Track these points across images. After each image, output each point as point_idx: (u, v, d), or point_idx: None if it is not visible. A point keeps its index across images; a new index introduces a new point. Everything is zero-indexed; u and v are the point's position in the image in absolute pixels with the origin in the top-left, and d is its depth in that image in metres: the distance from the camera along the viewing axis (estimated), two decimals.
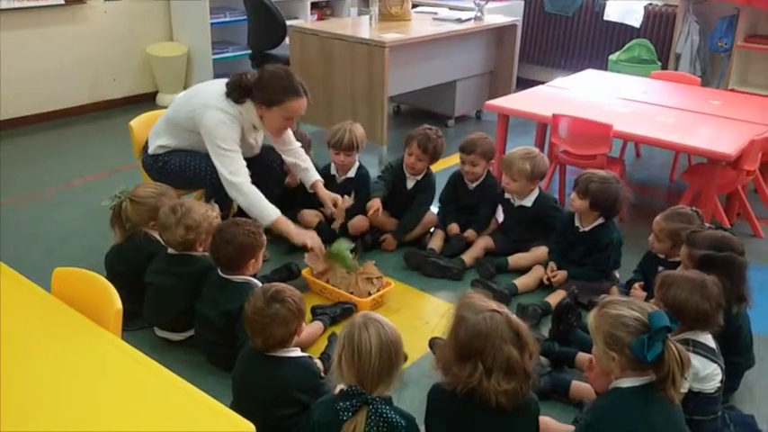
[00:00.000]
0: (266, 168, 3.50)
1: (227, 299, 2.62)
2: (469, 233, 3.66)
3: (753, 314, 2.65)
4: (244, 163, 3.21)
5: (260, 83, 3.20)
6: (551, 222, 3.53)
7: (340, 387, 1.99)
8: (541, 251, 3.49)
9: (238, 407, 1.91)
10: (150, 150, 3.37)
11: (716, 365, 2.24)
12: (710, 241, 2.55)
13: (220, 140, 3.15)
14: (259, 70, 3.29)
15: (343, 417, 1.85)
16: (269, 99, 3.18)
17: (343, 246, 3.23)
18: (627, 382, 1.93)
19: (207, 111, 3.18)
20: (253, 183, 3.21)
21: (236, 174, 3.16)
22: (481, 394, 1.87)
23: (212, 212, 2.86)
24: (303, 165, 3.58)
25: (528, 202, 3.57)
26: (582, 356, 2.64)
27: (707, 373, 2.21)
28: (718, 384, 2.25)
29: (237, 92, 3.21)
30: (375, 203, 3.59)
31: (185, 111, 3.26)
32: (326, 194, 3.53)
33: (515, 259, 3.52)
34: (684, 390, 2.09)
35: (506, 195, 3.65)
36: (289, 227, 3.24)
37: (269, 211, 3.19)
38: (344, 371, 1.91)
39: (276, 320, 2.15)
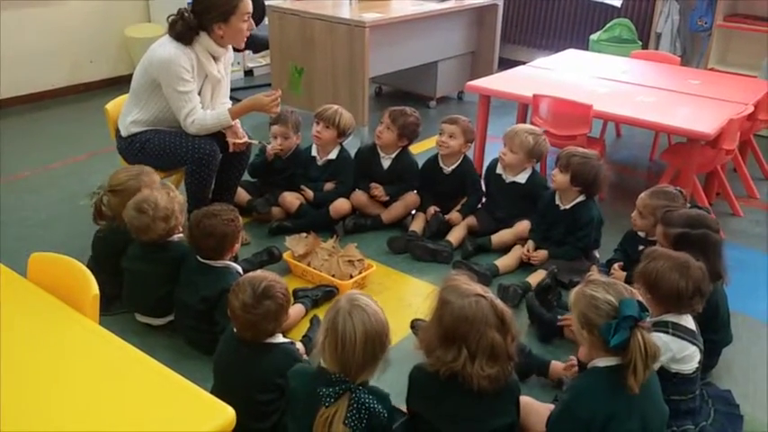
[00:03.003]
0: (225, 158, 3.47)
1: (206, 284, 2.62)
2: (454, 215, 3.65)
3: (730, 292, 2.68)
4: (198, 100, 3.26)
5: (204, 6, 3.19)
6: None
7: (321, 363, 1.99)
8: (524, 225, 3.49)
9: (219, 391, 1.90)
10: (123, 133, 3.33)
11: (695, 348, 2.26)
12: (685, 219, 2.58)
13: (176, 82, 3.16)
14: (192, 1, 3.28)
15: (325, 403, 1.85)
16: (225, 12, 3.19)
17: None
18: (604, 362, 1.95)
19: (156, 50, 3.21)
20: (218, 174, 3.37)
21: (191, 114, 3.23)
22: (464, 377, 1.88)
23: (172, 192, 2.83)
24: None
25: (521, 178, 3.56)
26: (555, 365, 2.61)
27: (684, 355, 2.23)
28: (697, 365, 2.26)
29: (186, 32, 3.19)
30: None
31: (140, 67, 3.28)
32: (235, 126, 3.41)
33: (499, 237, 3.51)
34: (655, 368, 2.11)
35: (498, 171, 3.64)
36: (244, 102, 3.38)
37: (222, 115, 3.29)
38: (327, 357, 1.90)
39: (268, 317, 2.15)
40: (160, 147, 3.26)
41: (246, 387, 2.14)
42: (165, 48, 3.19)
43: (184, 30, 3.18)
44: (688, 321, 2.29)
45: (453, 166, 3.72)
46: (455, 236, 3.56)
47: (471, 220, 3.66)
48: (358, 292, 2.01)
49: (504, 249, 3.47)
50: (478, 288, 1.96)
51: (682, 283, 2.21)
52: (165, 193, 2.78)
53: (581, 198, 3.30)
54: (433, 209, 3.67)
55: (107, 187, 2.93)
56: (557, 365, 2.58)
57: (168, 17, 3.24)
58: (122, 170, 3.02)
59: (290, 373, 2.04)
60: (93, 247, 2.96)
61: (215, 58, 3.32)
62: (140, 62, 3.30)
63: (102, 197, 2.91)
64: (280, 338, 2.25)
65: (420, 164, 3.86)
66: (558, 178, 3.28)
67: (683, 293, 2.22)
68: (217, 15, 3.18)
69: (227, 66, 3.46)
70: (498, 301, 1.94)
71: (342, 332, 1.85)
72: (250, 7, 3.26)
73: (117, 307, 2.86)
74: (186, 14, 3.20)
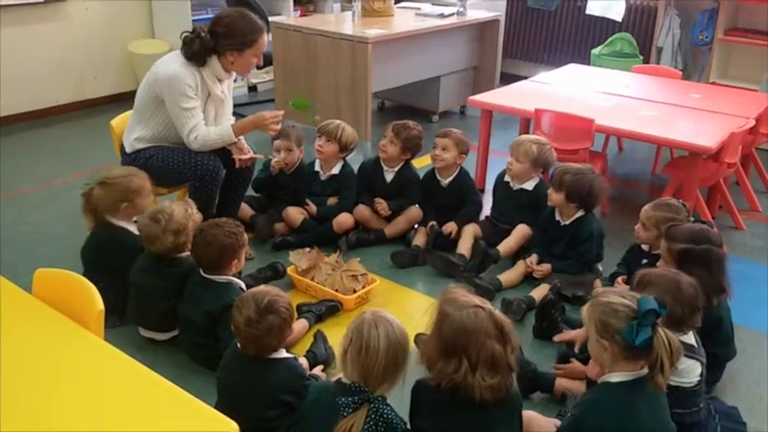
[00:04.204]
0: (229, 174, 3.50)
1: (209, 299, 2.62)
2: (450, 226, 3.65)
3: (733, 306, 2.68)
4: (201, 116, 3.27)
5: (225, 31, 3.22)
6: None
7: (339, 377, 2.00)
8: (524, 229, 3.52)
9: (223, 407, 1.91)
10: (128, 149, 3.35)
11: (693, 361, 2.25)
12: (689, 235, 2.57)
13: (179, 98, 3.17)
14: (212, 21, 3.30)
15: (343, 413, 1.86)
16: (241, 43, 3.23)
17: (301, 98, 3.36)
18: (615, 377, 1.95)
19: (161, 66, 3.24)
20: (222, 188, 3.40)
21: (194, 130, 3.23)
22: (465, 389, 1.89)
23: (191, 209, 2.85)
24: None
25: (529, 186, 3.59)
26: (560, 381, 2.59)
27: (681, 369, 2.22)
28: (698, 378, 2.26)
29: (201, 51, 3.21)
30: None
31: (144, 83, 3.30)
32: (240, 142, 3.43)
33: (505, 246, 3.49)
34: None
35: (506, 179, 3.67)
36: (246, 120, 3.39)
37: (225, 132, 3.30)
38: (349, 366, 1.93)
39: (272, 332, 2.15)
40: (164, 163, 3.28)
41: (251, 403, 2.14)
42: (171, 64, 3.22)
43: (200, 49, 3.20)
44: (687, 336, 2.28)
45: (450, 179, 3.75)
46: (464, 248, 3.54)
47: (476, 229, 3.66)
48: (381, 309, 2.05)
49: (512, 256, 3.49)
50: (476, 300, 1.97)
51: (677, 309, 2.18)
52: (183, 209, 2.80)
53: (580, 213, 3.31)
54: (430, 223, 3.68)
55: (98, 179, 2.95)
56: (561, 382, 2.57)
57: (182, 34, 3.26)
58: (119, 167, 3.07)
59: (312, 387, 2.06)
60: (82, 259, 2.99)
61: (219, 81, 3.35)
62: (144, 78, 3.32)
63: (92, 189, 2.93)
64: (283, 354, 2.25)
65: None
66: (553, 197, 3.31)
67: (681, 317, 2.20)
68: (234, 43, 3.22)
69: (230, 86, 3.49)
70: (497, 312, 1.95)
71: (367, 339, 1.89)
72: (265, 46, 3.32)
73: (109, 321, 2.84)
74: (203, 34, 3.22)
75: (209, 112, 3.34)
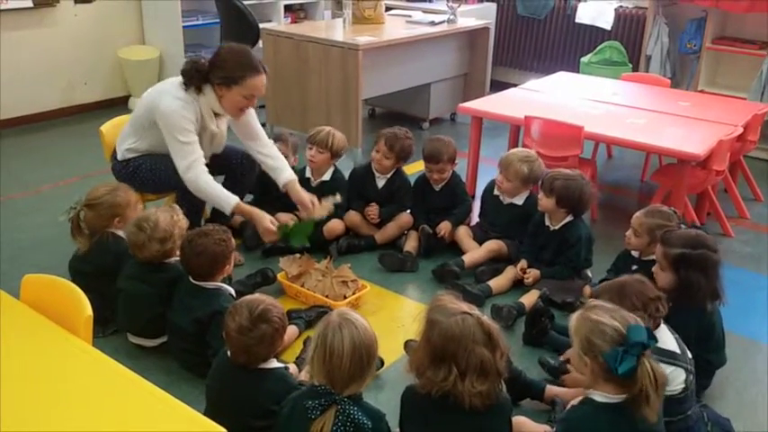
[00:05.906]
0: (233, 173, 3.52)
1: (198, 306, 2.61)
2: (443, 225, 3.67)
3: (722, 312, 2.68)
4: (201, 153, 3.18)
5: (218, 62, 3.17)
6: None
7: (311, 380, 2.00)
8: (495, 244, 3.56)
9: (212, 414, 1.89)
10: (119, 156, 3.34)
11: (675, 368, 2.21)
12: (685, 240, 2.58)
13: (178, 132, 3.11)
14: (215, 51, 3.27)
15: (311, 415, 1.87)
16: (229, 77, 3.15)
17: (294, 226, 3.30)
18: (601, 397, 1.92)
19: (163, 98, 3.16)
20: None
21: (192, 167, 3.14)
22: (455, 396, 1.89)
23: (177, 216, 2.84)
24: (276, 164, 3.49)
25: (519, 200, 3.61)
26: (551, 389, 2.58)
27: None
28: (682, 386, 2.23)
29: (195, 78, 3.17)
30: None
31: (144, 105, 3.26)
32: (300, 193, 3.43)
33: (469, 258, 3.51)
34: None
35: (495, 192, 3.68)
36: (252, 210, 3.25)
37: (229, 200, 3.19)
38: (316, 369, 1.94)
39: (263, 341, 2.14)
40: (151, 171, 3.27)
41: (239, 411, 2.13)
42: (173, 100, 3.14)
43: (193, 72, 3.16)
44: (666, 342, 2.26)
45: (443, 183, 3.80)
46: (475, 256, 3.54)
47: (468, 232, 3.68)
48: (348, 309, 2.04)
49: (477, 267, 3.49)
50: (464, 306, 1.98)
51: (626, 303, 2.15)
52: (169, 216, 2.79)
53: (569, 218, 3.32)
54: (421, 226, 3.70)
55: (84, 202, 2.94)
56: (552, 389, 2.57)
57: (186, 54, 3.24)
58: (100, 185, 3.03)
59: (285, 402, 2.04)
60: (70, 270, 2.96)
61: (216, 115, 3.30)
62: (145, 98, 3.27)
63: (79, 212, 2.91)
64: (274, 363, 2.24)
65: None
66: (543, 203, 3.32)
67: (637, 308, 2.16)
68: (223, 77, 3.15)
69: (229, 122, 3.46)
70: (485, 318, 1.95)
71: (330, 344, 1.90)
72: (259, 91, 3.22)
73: (99, 329, 2.83)
74: (202, 61, 3.21)
75: (204, 143, 3.28)
